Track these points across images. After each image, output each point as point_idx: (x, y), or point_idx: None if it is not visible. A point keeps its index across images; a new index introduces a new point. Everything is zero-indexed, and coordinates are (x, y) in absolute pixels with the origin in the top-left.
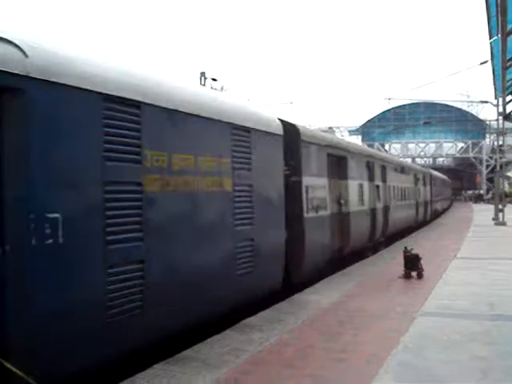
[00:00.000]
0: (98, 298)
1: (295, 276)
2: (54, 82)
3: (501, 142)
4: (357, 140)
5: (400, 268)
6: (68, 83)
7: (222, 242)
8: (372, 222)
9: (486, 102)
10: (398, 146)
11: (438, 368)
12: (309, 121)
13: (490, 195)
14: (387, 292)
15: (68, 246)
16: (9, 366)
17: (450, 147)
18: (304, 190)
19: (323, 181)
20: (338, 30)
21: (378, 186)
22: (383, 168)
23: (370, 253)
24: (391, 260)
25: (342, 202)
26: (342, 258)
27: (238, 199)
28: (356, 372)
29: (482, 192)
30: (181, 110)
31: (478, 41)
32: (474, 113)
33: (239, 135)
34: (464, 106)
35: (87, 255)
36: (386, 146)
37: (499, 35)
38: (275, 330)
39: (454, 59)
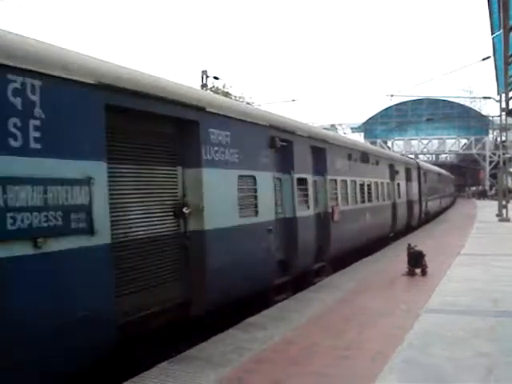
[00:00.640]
0: None
1: None
2: None
3: (504, 138)
4: (359, 137)
5: (403, 265)
6: None
7: None
8: (288, 239)
9: (489, 97)
10: (400, 142)
11: (443, 365)
12: (311, 118)
13: (493, 191)
14: (391, 289)
15: None
16: None
17: (453, 143)
18: None
19: None
20: (340, 26)
21: (304, 181)
22: (319, 153)
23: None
24: (395, 258)
25: (187, 211)
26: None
27: None
28: (361, 369)
29: (486, 188)
30: None
31: (480, 36)
32: (476, 109)
33: None
34: (467, 102)
35: None
36: (389, 143)
37: (501, 30)
38: (279, 328)
39: (456, 55)
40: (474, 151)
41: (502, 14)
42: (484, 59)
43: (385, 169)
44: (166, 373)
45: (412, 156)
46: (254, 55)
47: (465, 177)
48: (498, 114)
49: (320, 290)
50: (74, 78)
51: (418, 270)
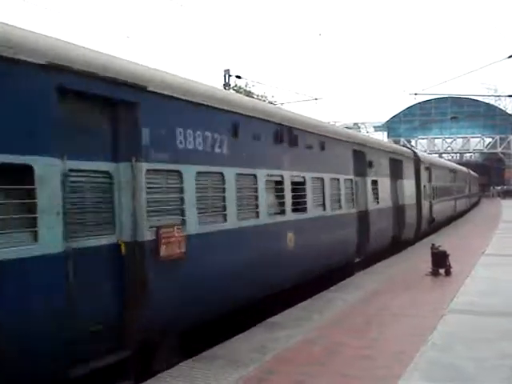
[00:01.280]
0: None
1: None
2: None
3: None
4: (382, 136)
5: (427, 265)
6: None
7: None
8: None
9: None
10: (424, 141)
11: (467, 366)
12: (334, 117)
13: None
14: (414, 289)
15: None
16: None
17: (478, 142)
18: None
19: None
20: (363, 25)
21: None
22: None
23: None
24: (419, 257)
25: None
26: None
27: None
28: (384, 370)
29: (511, 187)
30: None
31: (506, 34)
32: (501, 107)
33: None
34: (491, 101)
35: None
36: (413, 142)
37: None
38: (301, 327)
39: (481, 53)
40: (498, 150)
41: None
42: (510, 57)
43: (343, 157)
44: (188, 372)
45: (436, 155)
46: (277, 54)
47: (489, 176)
48: None
49: (341, 290)
50: None
51: (441, 270)
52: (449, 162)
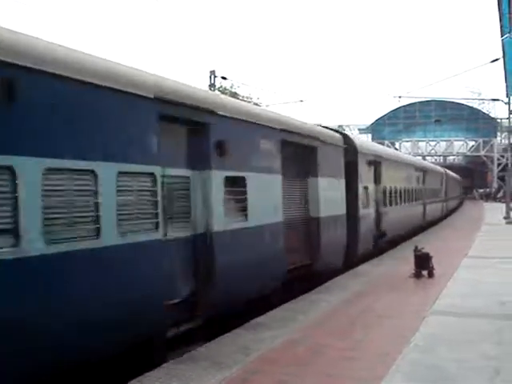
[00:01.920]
0: None
1: None
2: None
3: None
4: (367, 138)
5: (410, 267)
6: None
7: None
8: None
9: (498, 99)
10: (408, 144)
11: (449, 367)
12: (319, 119)
13: (501, 193)
14: (398, 291)
15: None
16: None
17: (461, 145)
18: None
19: None
20: (348, 28)
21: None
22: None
23: None
24: (402, 260)
25: None
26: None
27: None
28: (367, 370)
29: (493, 190)
30: None
31: (489, 38)
32: (485, 111)
33: None
34: (475, 104)
35: None
36: (397, 145)
37: (511, 33)
38: (286, 328)
39: (464, 57)
40: (482, 153)
41: None
42: (493, 61)
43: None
44: (171, 373)
45: (420, 158)
46: (262, 56)
47: (473, 178)
48: (507, 116)
49: (326, 291)
50: None
51: (424, 272)
52: (415, 158)
